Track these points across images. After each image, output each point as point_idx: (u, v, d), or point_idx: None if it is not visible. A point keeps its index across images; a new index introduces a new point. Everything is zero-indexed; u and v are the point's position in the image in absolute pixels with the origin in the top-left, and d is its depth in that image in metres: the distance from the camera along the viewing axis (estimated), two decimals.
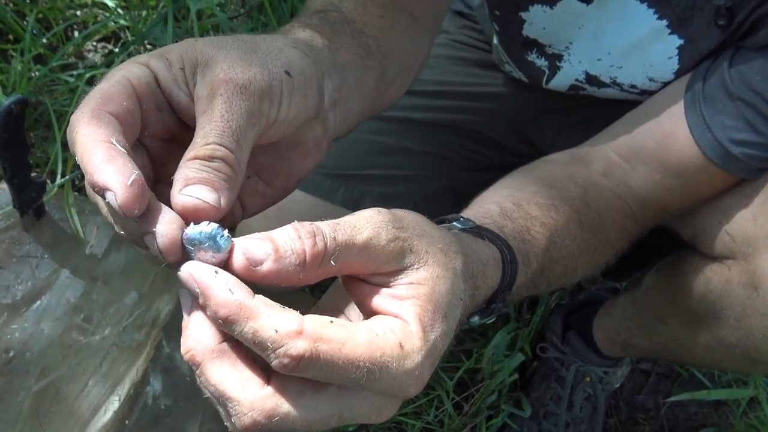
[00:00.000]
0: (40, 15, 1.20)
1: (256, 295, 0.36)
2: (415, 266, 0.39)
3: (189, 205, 0.38)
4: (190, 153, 0.39)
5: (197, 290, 0.36)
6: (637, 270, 0.94)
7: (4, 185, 0.92)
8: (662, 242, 0.80)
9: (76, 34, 1.30)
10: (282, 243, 0.37)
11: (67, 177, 1.01)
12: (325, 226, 0.38)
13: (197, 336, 0.37)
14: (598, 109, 0.86)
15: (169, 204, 0.38)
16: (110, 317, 0.91)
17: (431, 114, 0.94)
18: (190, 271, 0.36)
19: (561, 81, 0.84)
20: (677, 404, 1.15)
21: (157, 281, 0.96)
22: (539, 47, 0.82)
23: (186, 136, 0.41)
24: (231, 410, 0.36)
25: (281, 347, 0.34)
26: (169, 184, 0.39)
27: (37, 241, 0.93)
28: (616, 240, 0.69)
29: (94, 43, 1.33)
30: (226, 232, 0.37)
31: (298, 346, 0.34)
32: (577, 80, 0.82)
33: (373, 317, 0.39)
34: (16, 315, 0.87)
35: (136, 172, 0.36)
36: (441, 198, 0.95)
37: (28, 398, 0.82)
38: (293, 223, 0.38)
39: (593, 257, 0.66)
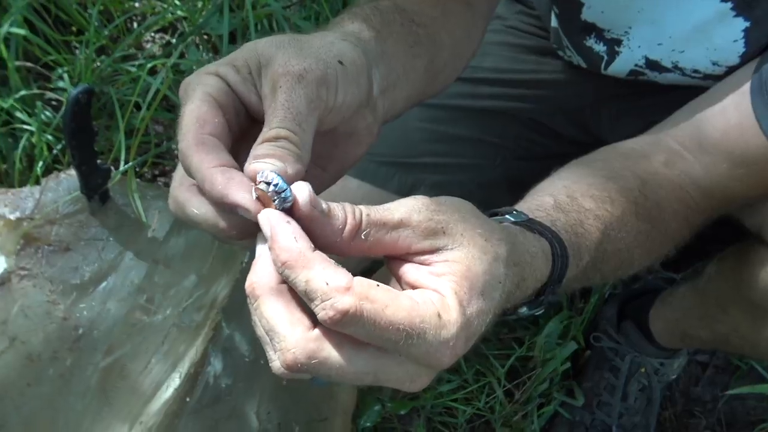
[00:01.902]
0: (102, 7, 1.24)
1: (316, 250, 0.38)
2: (449, 246, 0.41)
3: (259, 169, 0.41)
4: (259, 139, 0.43)
5: (268, 233, 0.38)
6: (697, 260, 0.92)
7: (73, 172, 0.96)
8: (724, 232, 0.78)
9: (135, 25, 1.34)
10: (334, 206, 0.41)
11: (130, 164, 1.04)
12: (362, 207, 0.41)
13: (261, 272, 0.39)
14: (658, 96, 0.84)
15: None
16: (171, 298, 0.94)
17: (486, 102, 0.94)
18: (268, 216, 0.39)
19: (620, 66, 0.82)
20: (735, 398, 1.13)
21: (215, 265, 0.98)
22: (598, 32, 0.80)
23: (256, 131, 0.45)
24: (276, 345, 0.38)
25: (329, 299, 0.36)
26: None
27: (103, 225, 0.96)
28: (676, 231, 0.67)
29: (152, 34, 1.36)
30: (287, 186, 0.40)
31: (344, 301, 0.36)
32: (636, 65, 0.80)
33: (415, 289, 0.40)
34: (85, 295, 0.91)
35: (253, 185, 0.41)
36: (496, 186, 0.95)
37: (96, 373, 0.86)
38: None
39: (651, 248, 0.65)
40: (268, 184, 0.40)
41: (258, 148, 0.42)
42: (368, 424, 1.03)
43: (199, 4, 1.30)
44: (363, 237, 0.40)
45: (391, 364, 0.39)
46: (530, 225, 0.51)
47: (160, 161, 1.23)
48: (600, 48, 0.82)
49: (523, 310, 0.51)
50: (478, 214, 0.45)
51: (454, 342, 0.38)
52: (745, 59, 0.71)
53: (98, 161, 0.92)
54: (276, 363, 0.38)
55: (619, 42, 0.80)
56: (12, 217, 0.95)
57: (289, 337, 0.37)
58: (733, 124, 0.65)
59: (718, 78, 0.74)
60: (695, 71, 0.76)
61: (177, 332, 0.92)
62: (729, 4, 0.67)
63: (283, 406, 0.91)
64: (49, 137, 1.10)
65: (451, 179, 0.93)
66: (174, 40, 1.32)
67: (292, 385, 0.93)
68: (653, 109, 0.86)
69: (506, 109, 0.93)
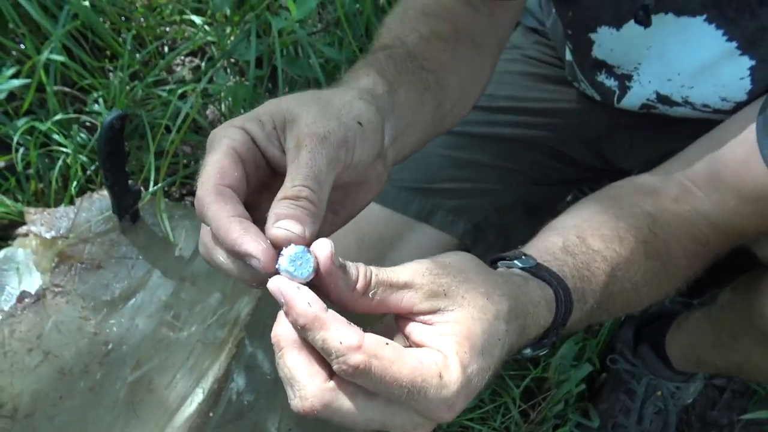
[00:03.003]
0: (135, 32, 1.30)
1: (329, 310, 0.42)
2: (450, 308, 0.44)
3: (280, 236, 0.44)
4: (280, 194, 0.46)
5: (282, 301, 0.42)
6: (712, 287, 0.93)
7: (105, 192, 1.00)
8: (739, 261, 0.79)
9: (166, 49, 1.39)
10: (349, 265, 0.44)
11: (159, 185, 1.09)
12: (372, 267, 0.45)
13: (284, 326, 0.43)
14: (671, 126, 0.86)
15: None
16: (196, 315, 0.98)
17: (504, 129, 0.96)
18: (278, 285, 0.42)
19: (632, 101, 0.84)
20: (752, 423, 1.13)
21: (238, 284, 1.02)
22: (608, 68, 0.83)
23: (276, 183, 0.48)
24: (297, 392, 0.42)
25: (343, 356, 0.40)
26: (260, 223, 0.45)
27: (133, 244, 1.00)
28: (686, 267, 0.68)
29: (182, 57, 1.42)
30: (309, 254, 0.43)
31: (355, 358, 0.40)
32: (648, 99, 0.82)
33: (421, 348, 0.43)
34: (114, 311, 0.95)
35: (266, 239, 0.44)
36: (512, 211, 0.97)
37: (124, 387, 0.90)
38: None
39: (660, 285, 0.66)
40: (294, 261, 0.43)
41: (280, 206, 0.45)
42: None
43: (228, 30, 1.34)
44: (370, 296, 0.44)
45: (398, 413, 0.42)
46: (537, 272, 0.53)
47: (188, 181, 1.27)
48: (611, 83, 0.84)
49: (527, 351, 0.54)
50: (483, 269, 0.48)
51: (453, 400, 0.41)
52: (752, 96, 0.72)
53: (129, 182, 0.96)
54: (296, 403, 0.42)
55: (629, 77, 0.82)
56: (48, 236, 0.99)
57: (307, 387, 0.41)
58: (740, 161, 0.66)
59: (727, 113, 0.76)
60: (705, 106, 0.78)
61: (202, 348, 0.95)
62: (734, 44, 0.69)
63: (304, 423, 0.94)
64: (84, 159, 1.15)
65: (469, 204, 0.95)
66: (203, 64, 1.37)
67: None
68: (667, 138, 0.88)
69: (523, 137, 0.95)
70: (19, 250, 1.01)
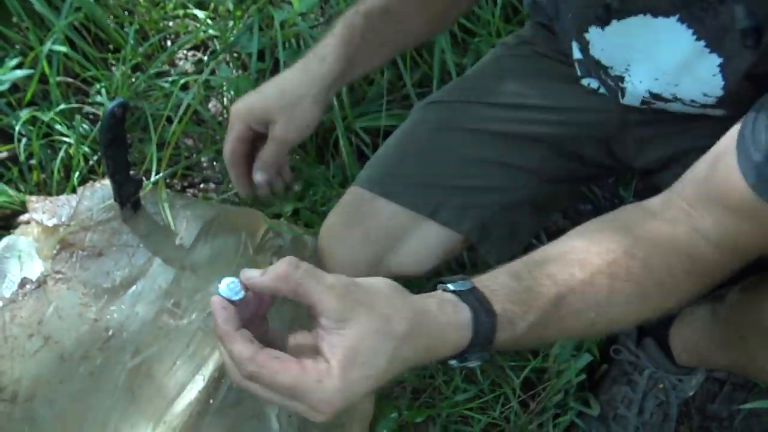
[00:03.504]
0: (137, 26, 1.31)
1: (241, 329, 0.54)
2: (348, 325, 0.53)
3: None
4: (259, 159, 0.91)
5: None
6: (720, 287, 0.92)
7: (107, 182, 1.01)
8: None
9: (169, 43, 1.40)
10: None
11: (160, 174, 1.09)
12: (306, 265, 0.55)
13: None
14: (680, 124, 0.86)
15: None
16: (196, 303, 0.98)
17: (512, 126, 0.96)
18: (213, 304, 0.57)
19: (631, 99, 0.85)
20: (752, 414, 1.12)
21: (238, 272, 1.02)
22: (604, 69, 0.84)
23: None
24: (230, 375, 0.56)
25: (241, 364, 0.53)
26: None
27: (134, 232, 1.01)
28: (673, 285, 0.67)
29: (185, 52, 1.42)
30: (238, 283, 0.58)
31: (249, 367, 0.53)
32: (644, 98, 0.83)
33: (317, 355, 0.54)
34: (115, 298, 0.96)
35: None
36: (519, 209, 0.97)
37: (123, 373, 0.90)
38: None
39: (637, 306, 0.66)
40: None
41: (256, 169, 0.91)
42: None
43: (230, 24, 1.35)
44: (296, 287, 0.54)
45: (291, 404, 0.54)
46: (463, 295, 0.59)
47: (189, 173, 1.28)
48: (611, 83, 0.85)
49: (453, 362, 0.61)
50: (396, 296, 0.57)
51: (331, 400, 0.52)
52: (726, 90, 0.73)
53: (131, 171, 0.97)
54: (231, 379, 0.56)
55: (622, 78, 0.83)
56: (49, 223, 1.00)
57: (233, 375, 0.56)
58: (725, 178, 0.65)
59: (714, 107, 0.76)
60: (693, 101, 0.78)
61: (202, 336, 0.95)
62: (703, 42, 0.69)
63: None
64: (86, 149, 1.16)
65: (475, 201, 0.95)
66: (205, 58, 1.37)
67: None
68: (678, 137, 0.88)
69: (531, 134, 0.95)
70: (21, 238, 1.01)
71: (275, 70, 1.26)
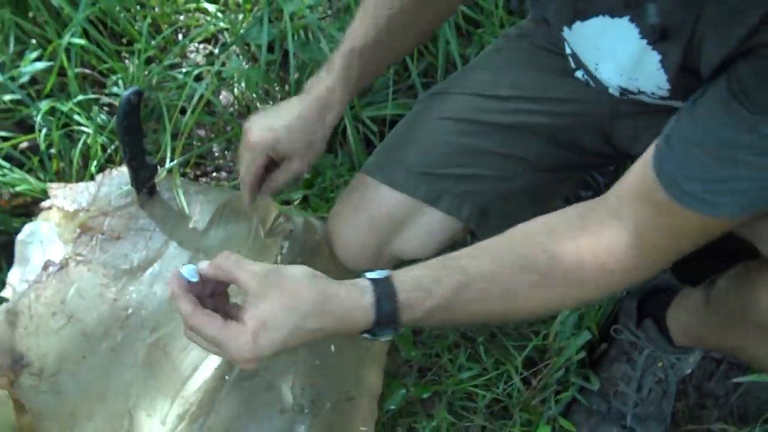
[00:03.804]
0: (150, 20, 1.35)
1: (188, 294, 0.71)
2: (262, 301, 0.67)
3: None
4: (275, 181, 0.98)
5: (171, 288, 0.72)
6: (711, 274, 0.95)
7: (124, 169, 1.05)
8: (740, 249, 0.81)
9: (180, 36, 1.44)
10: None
11: (175, 162, 1.13)
12: (236, 256, 0.72)
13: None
14: (669, 113, 0.89)
15: None
16: None
17: (510, 117, 0.99)
18: (171, 279, 0.72)
19: (613, 92, 0.88)
20: (748, 392, 1.15)
21: (249, 255, 1.06)
22: (583, 64, 0.87)
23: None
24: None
25: (185, 318, 0.70)
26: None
27: (150, 216, 1.05)
28: (577, 280, 0.72)
29: (196, 44, 1.46)
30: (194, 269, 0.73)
31: (189, 321, 0.69)
32: (620, 91, 0.86)
33: (235, 321, 0.68)
34: (133, 279, 1.00)
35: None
36: (517, 198, 1.00)
37: (142, 349, 0.94)
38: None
39: (544, 294, 0.73)
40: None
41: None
42: (392, 407, 1.09)
43: (240, 17, 1.39)
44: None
45: (218, 351, 0.69)
46: (373, 282, 0.71)
47: (201, 161, 1.32)
48: (589, 79, 0.89)
49: (366, 335, 0.72)
50: (306, 281, 0.70)
51: (242, 353, 0.67)
52: (672, 84, 0.76)
53: (147, 157, 1.01)
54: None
55: (593, 76, 0.87)
56: (70, 209, 1.04)
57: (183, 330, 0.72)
58: (642, 177, 0.69)
59: (672, 99, 0.80)
60: (653, 94, 0.81)
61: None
62: (645, 40, 0.73)
63: (316, 384, 0.98)
64: (104, 139, 1.20)
65: (474, 189, 0.98)
66: (216, 50, 1.42)
67: (325, 366, 1.00)
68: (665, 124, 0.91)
69: (530, 125, 0.98)
70: (42, 224, 1.06)
71: (284, 61, 1.30)
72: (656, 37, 0.71)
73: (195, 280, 0.73)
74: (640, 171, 0.71)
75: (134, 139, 0.97)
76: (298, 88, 1.29)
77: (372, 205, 1.01)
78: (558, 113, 0.98)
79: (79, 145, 1.18)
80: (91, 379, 0.92)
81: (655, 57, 0.74)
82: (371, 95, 1.32)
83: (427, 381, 1.13)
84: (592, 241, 0.72)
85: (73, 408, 0.91)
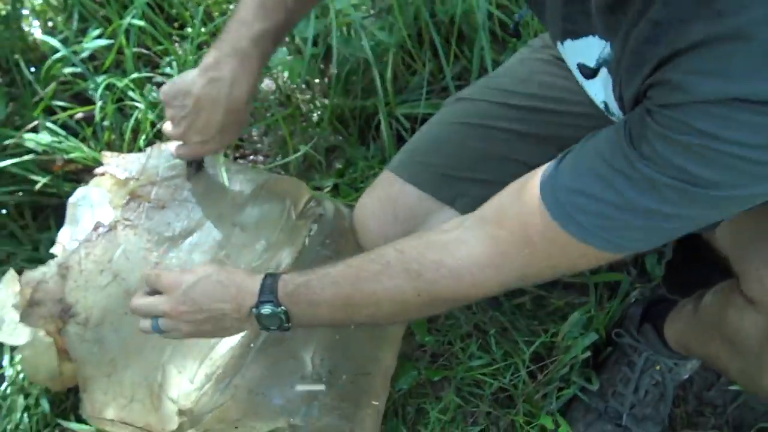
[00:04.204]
0: (203, 6, 1.43)
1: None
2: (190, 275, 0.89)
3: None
4: None
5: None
6: (702, 287, 1.00)
7: (171, 144, 1.13)
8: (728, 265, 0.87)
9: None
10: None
11: None
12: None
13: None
14: None
15: None
16: (243, 257, 1.09)
17: (529, 126, 1.04)
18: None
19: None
20: (745, 404, 1.20)
21: (281, 236, 1.13)
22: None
23: None
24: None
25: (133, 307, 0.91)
26: None
27: (194, 190, 1.13)
28: (414, 273, 0.80)
29: None
30: None
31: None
32: (604, 108, 0.88)
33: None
34: (174, 246, 1.08)
35: None
36: None
37: None
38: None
39: (383, 283, 0.82)
40: None
41: None
42: (404, 387, 1.16)
43: None
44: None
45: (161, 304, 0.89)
46: (265, 277, 0.88)
47: (241, 144, 1.40)
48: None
49: (253, 310, 0.87)
50: (215, 268, 0.91)
51: (176, 302, 0.88)
52: (627, 108, 0.75)
53: None
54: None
55: (587, 93, 0.91)
56: (121, 176, 1.12)
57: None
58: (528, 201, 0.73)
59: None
60: (616, 116, 0.84)
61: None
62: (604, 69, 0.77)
63: (335, 356, 1.05)
64: (154, 115, 1.28)
65: (490, 193, 1.03)
66: None
67: (344, 341, 1.07)
68: None
69: (546, 134, 1.02)
70: (93, 189, 1.14)
71: (327, 55, 1.37)
72: (589, 72, 0.77)
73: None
74: (522, 183, 0.76)
75: None
76: (337, 81, 1.36)
77: (396, 201, 1.08)
78: (579, 124, 1.03)
79: (132, 119, 1.26)
80: (131, 333, 1.00)
81: (609, 80, 0.77)
82: (406, 93, 1.39)
83: (439, 366, 1.19)
84: (441, 239, 0.79)
85: (112, 357, 0.99)
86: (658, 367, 1.11)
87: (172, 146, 1.11)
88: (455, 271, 0.77)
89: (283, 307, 0.85)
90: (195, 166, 1.11)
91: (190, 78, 0.98)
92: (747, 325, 0.82)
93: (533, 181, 0.74)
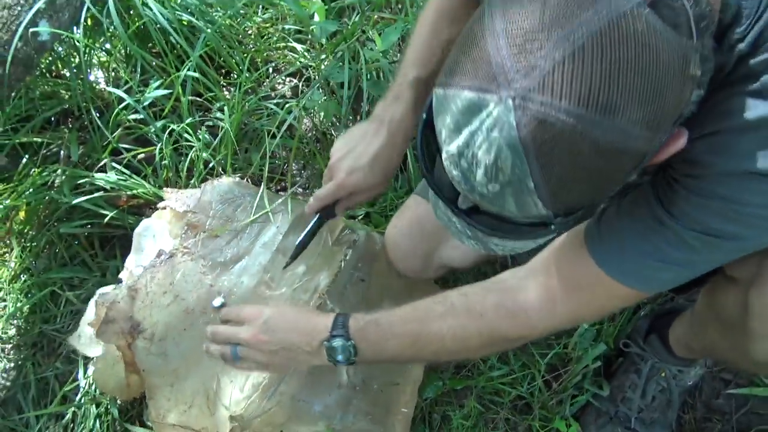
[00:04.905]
0: (249, 57, 1.60)
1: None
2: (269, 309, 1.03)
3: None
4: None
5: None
6: (697, 285, 1.08)
7: (224, 179, 1.29)
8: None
9: (269, 69, 1.68)
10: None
11: (264, 179, 1.36)
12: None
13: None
14: None
15: None
16: (287, 280, 1.24)
17: None
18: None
19: None
20: (753, 411, 1.29)
21: (319, 260, 1.27)
22: None
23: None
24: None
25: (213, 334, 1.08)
26: None
27: (243, 220, 1.28)
28: (476, 315, 0.93)
29: (283, 78, 1.71)
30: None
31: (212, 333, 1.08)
32: None
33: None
34: (226, 270, 1.23)
35: None
36: None
37: None
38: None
39: (447, 322, 0.94)
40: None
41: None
42: (430, 395, 1.28)
43: (323, 56, 1.63)
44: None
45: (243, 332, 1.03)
46: (336, 317, 0.99)
47: (282, 178, 1.55)
48: None
49: (326, 343, 0.99)
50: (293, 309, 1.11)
51: (254, 332, 1.02)
52: None
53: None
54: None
55: None
56: (180, 209, 1.29)
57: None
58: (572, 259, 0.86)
59: None
60: None
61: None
62: None
63: (368, 368, 1.19)
64: (206, 156, 1.45)
65: None
66: (300, 83, 1.65)
67: None
68: None
69: None
70: (156, 221, 1.30)
71: (358, 96, 1.52)
72: None
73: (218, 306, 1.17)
74: (568, 244, 0.87)
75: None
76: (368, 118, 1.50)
77: (422, 220, 1.21)
78: None
79: (187, 159, 1.43)
80: (191, 347, 1.15)
81: None
82: None
83: (462, 376, 1.31)
84: (500, 286, 0.92)
85: (175, 368, 1.14)
86: (663, 374, 1.20)
87: (224, 181, 1.27)
88: (513, 312, 0.89)
89: (352, 341, 0.96)
90: (326, 214, 1.19)
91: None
92: (730, 301, 0.91)
93: (578, 238, 0.86)
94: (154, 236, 1.30)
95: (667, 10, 0.59)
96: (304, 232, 1.19)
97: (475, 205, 0.69)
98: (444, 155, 0.66)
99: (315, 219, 1.17)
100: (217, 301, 1.15)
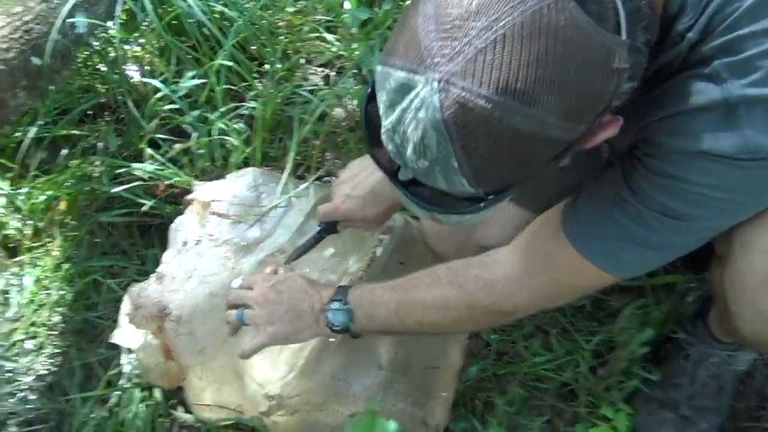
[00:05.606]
0: (282, 47, 1.59)
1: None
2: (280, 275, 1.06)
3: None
4: None
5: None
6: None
7: (249, 169, 1.29)
8: None
9: (302, 60, 1.67)
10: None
11: (289, 165, 1.35)
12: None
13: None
14: None
15: None
16: (312, 262, 1.23)
17: None
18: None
19: None
20: None
21: (347, 244, 1.25)
22: None
23: None
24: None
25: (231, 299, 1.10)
26: None
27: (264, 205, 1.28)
28: (456, 285, 0.96)
29: (314, 68, 1.70)
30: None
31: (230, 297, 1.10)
32: None
33: None
34: (248, 253, 1.23)
35: None
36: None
37: None
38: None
39: (431, 291, 0.98)
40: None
41: None
42: (471, 380, 1.23)
43: (354, 45, 1.61)
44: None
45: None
46: (340, 288, 1.03)
47: (318, 165, 1.53)
48: None
49: (326, 311, 1.02)
50: (299, 277, 1.08)
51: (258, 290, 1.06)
52: None
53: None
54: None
55: None
56: (206, 200, 1.28)
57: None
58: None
59: None
60: None
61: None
62: None
63: (407, 350, 1.17)
64: (242, 144, 1.44)
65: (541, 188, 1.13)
66: (332, 73, 1.64)
67: (416, 337, 1.17)
68: None
69: None
70: (188, 216, 1.30)
71: None
72: None
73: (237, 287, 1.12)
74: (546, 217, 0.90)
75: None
76: None
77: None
78: None
79: (223, 147, 1.43)
80: (217, 327, 1.14)
81: None
82: None
83: (503, 362, 1.26)
84: (483, 260, 0.95)
85: (203, 347, 1.15)
86: (712, 360, 1.14)
87: (248, 170, 1.27)
88: (490, 282, 0.93)
89: (349, 306, 0.99)
90: (328, 227, 1.20)
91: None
92: (717, 283, 0.92)
93: (555, 217, 0.89)
94: (187, 230, 1.30)
95: (593, 4, 0.62)
96: (305, 240, 1.20)
97: (415, 179, 0.71)
98: (382, 129, 0.69)
99: (316, 230, 1.19)
100: (236, 282, 1.12)
